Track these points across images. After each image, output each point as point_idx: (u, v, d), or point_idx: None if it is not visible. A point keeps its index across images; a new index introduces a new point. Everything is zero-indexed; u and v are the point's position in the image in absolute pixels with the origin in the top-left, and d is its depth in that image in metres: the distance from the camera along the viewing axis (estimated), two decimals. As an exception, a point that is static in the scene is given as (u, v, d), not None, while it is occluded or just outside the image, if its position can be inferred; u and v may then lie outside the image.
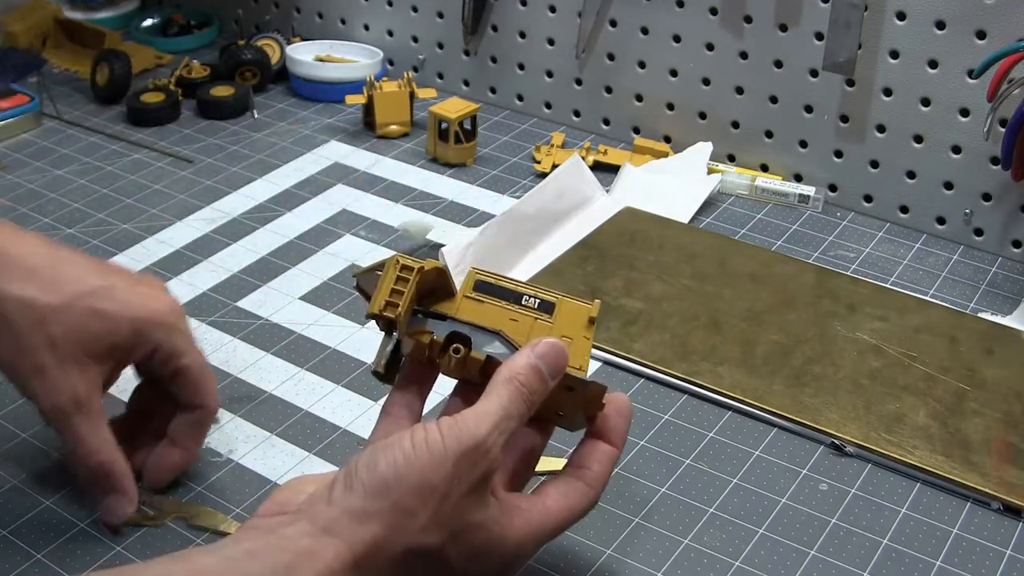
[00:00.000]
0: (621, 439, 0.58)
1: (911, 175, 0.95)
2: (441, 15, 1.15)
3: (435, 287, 0.59)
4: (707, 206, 0.98)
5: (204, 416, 0.66)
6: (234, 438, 0.71)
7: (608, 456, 0.57)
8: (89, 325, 0.60)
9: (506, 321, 0.58)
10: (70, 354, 0.59)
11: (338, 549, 0.47)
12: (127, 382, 0.68)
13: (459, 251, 0.84)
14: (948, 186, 0.94)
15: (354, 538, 0.48)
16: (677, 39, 1.03)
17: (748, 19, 0.98)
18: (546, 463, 0.69)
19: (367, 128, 1.10)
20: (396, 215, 0.96)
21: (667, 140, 1.07)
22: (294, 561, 0.47)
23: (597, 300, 0.60)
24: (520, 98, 1.15)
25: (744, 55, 1.00)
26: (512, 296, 0.59)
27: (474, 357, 0.57)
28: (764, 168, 1.03)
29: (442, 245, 0.85)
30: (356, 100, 1.09)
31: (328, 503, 0.49)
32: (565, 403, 0.58)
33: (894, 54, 0.92)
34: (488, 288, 0.59)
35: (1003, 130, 0.86)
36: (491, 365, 0.57)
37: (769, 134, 1.01)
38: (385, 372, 0.59)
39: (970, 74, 0.89)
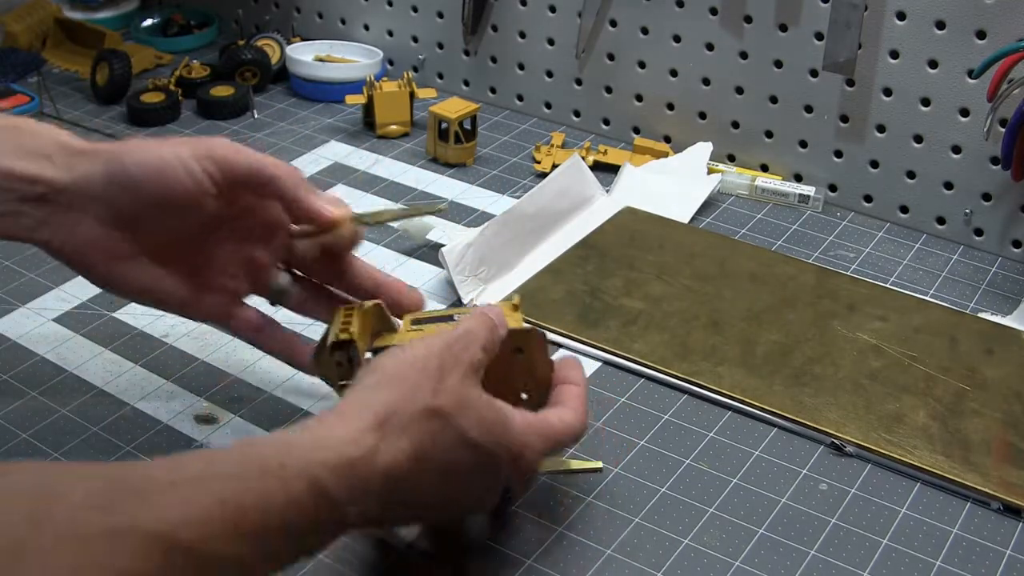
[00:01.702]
0: (580, 378, 0.65)
1: (911, 175, 0.96)
2: (441, 15, 1.15)
3: (379, 327, 0.67)
4: (707, 206, 0.98)
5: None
6: (234, 438, 0.71)
7: (577, 392, 0.64)
8: (186, 141, 0.64)
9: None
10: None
11: (362, 414, 0.53)
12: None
13: (459, 251, 0.84)
14: (948, 186, 0.94)
15: (373, 403, 0.54)
16: (677, 39, 1.03)
17: (748, 19, 0.98)
18: (548, 463, 0.69)
19: (367, 128, 1.10)
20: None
21: (667, 140, 1.07)
22: (321, 433, 0.52)
23: (518, 296, 0.68)
24: (520, 98, 1.15)
25: (744, 55, 1.00)
26: (446, 319, 0.67)
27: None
28: (764, 168, 1.03)
29: (442, 245, 0.85)
30: (356, 100, 1.09)
31: (345, 396, 0.56)
32: (517, 370, 0.65)
33: (894, 54, 0.92)
34: (424, 320, 0.68)
35: (1003, 130, 0.86)
36: None
37: (769, 134, 1.01)
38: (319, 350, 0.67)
39: (970, 74, 0.89)
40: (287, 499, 0.48)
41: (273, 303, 0.70)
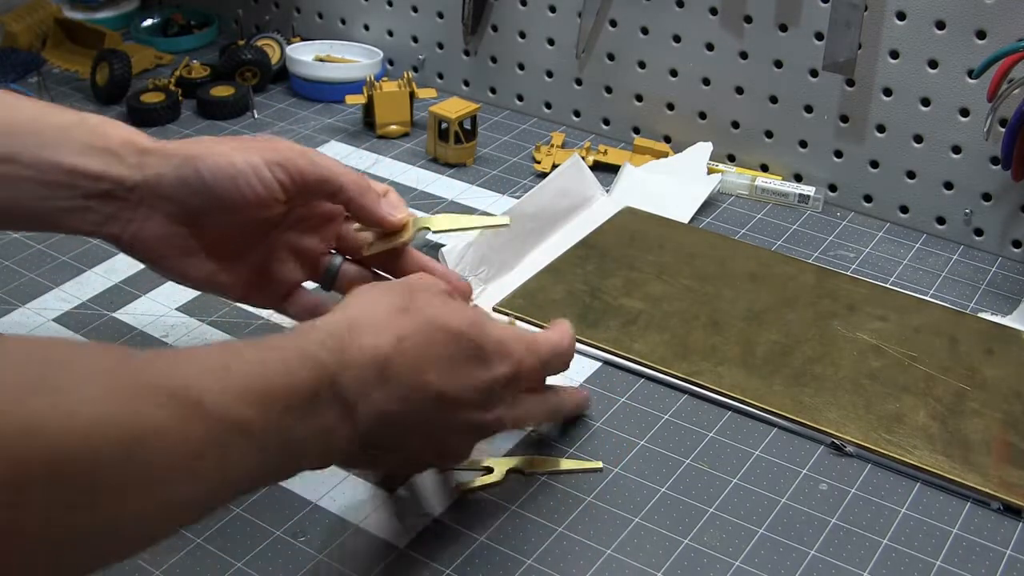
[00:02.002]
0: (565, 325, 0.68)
1: (911, 175, 0.96)
2: (441, 15, 1.15)
3: None
4: (707, 206, 0.98)
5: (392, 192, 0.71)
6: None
7: (560, 322, 0.68)
8: (254, 144, 0.66)
9: None
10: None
11: (334, 318, 0.56)
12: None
13: (459, 251, 0.84)
14: (948, 186, 0.94)
15: (343, 317, 0.56)
16: (677, 39, 1.03)
17: (748, 19, 0.98)
18: (547, 463, 0.69)
19: (367, 128, 1.10)
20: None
21: (667, 140, 1.07)
22: (300, 327, 0.56)
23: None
24: (520, 98, 1.15)
25: (744, 55, 1.00)
26: None
27: None
28: (764, 168, 1.03)
29: (442, 245, 0.85)
30: (356, 100, 1.09)
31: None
32: None
33: (894, 54, 0.92)
34: None
35: (1003, 130, 0.86)
36: None
37: (769, 134, 1.01)
38: None
39: (970, 74, 0.89)
40: (284, 365, 0.51)
41: (326, 288, 0.72)
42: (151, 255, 0.66)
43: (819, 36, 0.95)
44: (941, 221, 0.95)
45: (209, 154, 0.64)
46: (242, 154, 0.64)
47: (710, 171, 1.01)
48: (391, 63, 1.21)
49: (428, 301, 0.59)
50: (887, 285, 0.88)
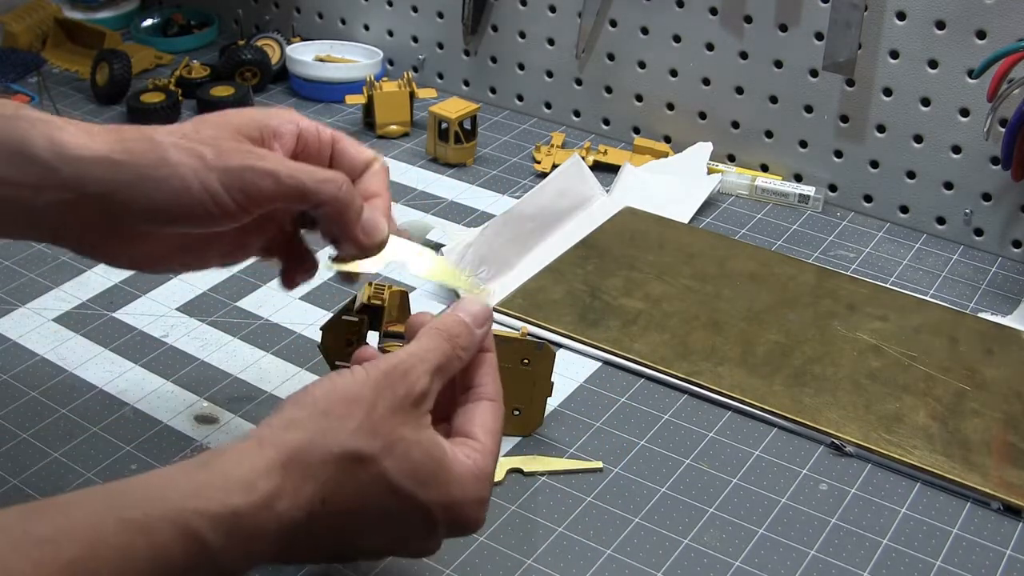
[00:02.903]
0: (488, 341, 0.58)
1: (911, 175, 0.95)
2: (441, 15, 1.15)
3: (399, 315, 0.67)
4: (707, 206, 0.98)
5: (380, 168, 0.62)
6: (234, 438, 0.71)
7: (491, 362, 0.57)
8: (229, 120, 0.58)
9: None
10: (234, 139, 0.57)
11: (264, 451, 0.48)
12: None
13: (459, 251, 0.84)
14: (948, 186, 0.94)
15: (282, 443, 0.48)
16: (677, 39, 1.03)
17: (748, 19, 0.98)
18: (548, 463, 0.69)
19: (367, 128, 1.10)
20: (396, 215, 0.95)
21: (667, 140, 1.07)
22: (220, 466, 0.47)
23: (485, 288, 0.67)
24: (520, 98, 1.15)
25: (744, 55, 1.00)
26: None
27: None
28: (764, 168, 1.03)
29: (442, 245, 0.85)
30: (356, 100, 1.09)
31: (258, 426, 0.50)
32: (516, 383, 0.63)
33: (894, 54, 0.92)
34: None
35: (1003, 130, 0.86)
36: None
37: (769, 134, 1.01)
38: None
39: (970, 74, 0.89)
40: (152, 551, 0.44)
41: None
42: (80, 247, 0.57)
43: (819, 36, 0.95)
44: (941, 221, 0.95)
45: (150, 165, 0.53)
46: (190, 161, 0.53)
47: (710, 171, 1.01)
48: (391, 63, 1.21)
49: (385, 432, 0.50)
50: (887, 285, 0.88)
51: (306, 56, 1.18)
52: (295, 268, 0.64)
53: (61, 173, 0.52)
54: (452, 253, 0.83)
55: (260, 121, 0.59)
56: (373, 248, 0.59)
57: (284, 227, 0.63)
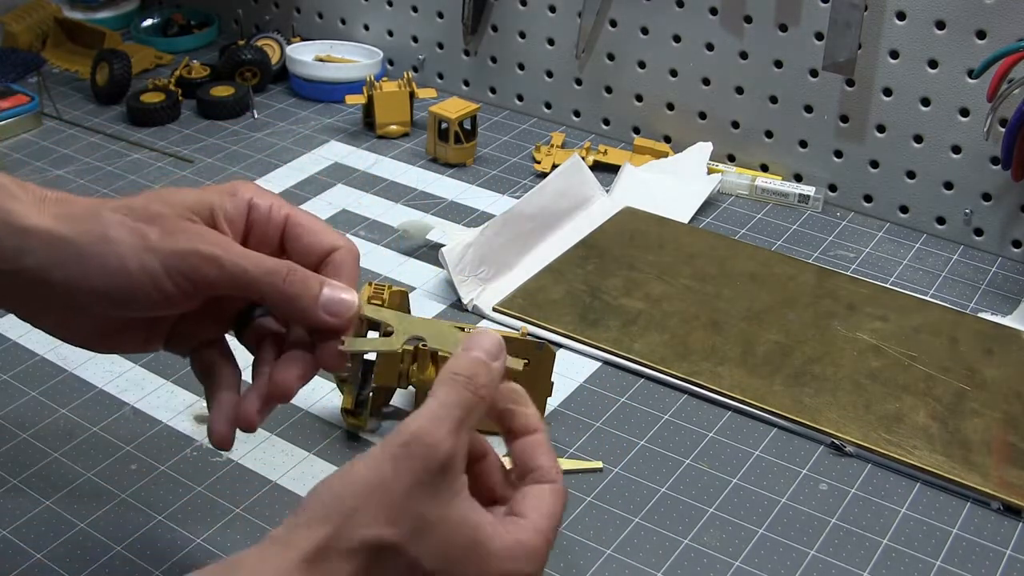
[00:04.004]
0: (538, 421, 0.53)
1: (911, 175, 0.95)
2: (441, 15, 1.15)
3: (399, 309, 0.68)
4: (707, 206, 0.98)
5: (346, 254, 0.56)
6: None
7: (545, 442, 0.52)
8: (181, 199, 0.54)
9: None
10: (183, 218, 0.53)
11: (287, 555, 0.45)
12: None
13: (459, 251, 0.84)
14: (948, 186, 0.94)
15: (300, 544, 0.46)
16: (677, 39, 1.03)
17: (748, 19, 0.98)
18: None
19: (367, 128, 1.10)
20: (396, 215, 0.95)
21: (667, 140, 1.07)
22: (243, 570, 0.46)
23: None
24: (520, 98, 1.15)
25: (744, 55, 1.00)
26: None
27: (442, 355, 0.64)
28: (764, 168, 1.03)
29: (442, 245, 0.85)
30: (356, 100, 1.09)
31: (277, 528, 0.48)
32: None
33: (894, 54, 0.92)
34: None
35: (1003, 130, 0.86)
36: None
37: (769, 134, 1.01)
38: (355, 409, 0.70)
39: (970, 74, 0.89)
40: None
41: (237, 335, 0.59)
42: (23, 314, 0.55)
43: (819, 36, 0.95)
44: (941, 221, 0.95)
45: (96, 252, 0.51)
46: (135, 254, 0.51)
47: (710, 171, 1.01)
48: (391, 63, 1.21)
49: (410, 513, 0.46)
50: (887, 285, 0.88)
51: (306, 56, 1.18)
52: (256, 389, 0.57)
53: (2, 244, 0.51)
54: (452, 253, 0.83)
55: (209, 202, 0.55)
56: (342, 327, 0.54)
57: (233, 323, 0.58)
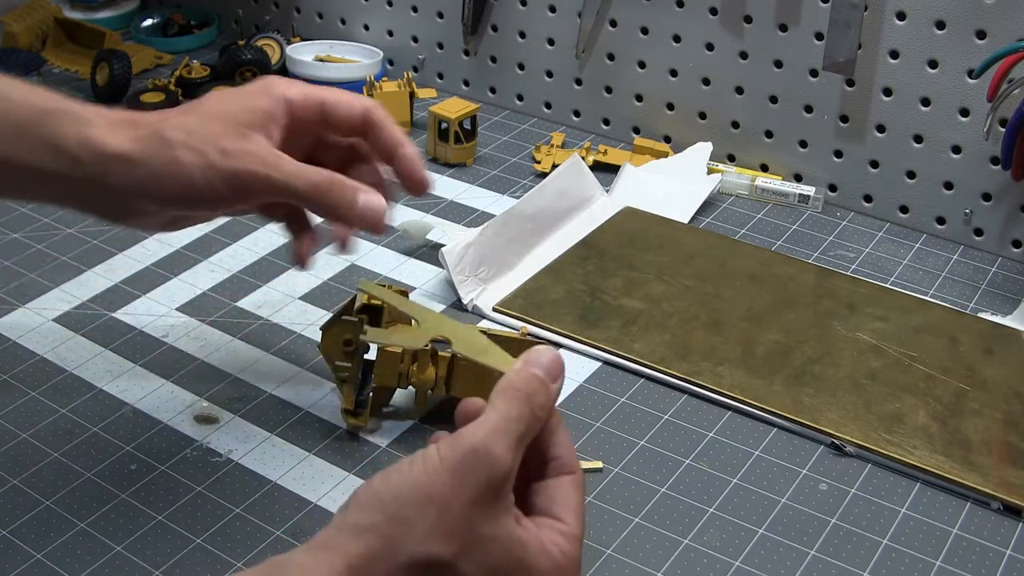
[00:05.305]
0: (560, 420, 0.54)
1: (911, 175, 0.96)
2: (441, 15, 1.15)
3: (396, 316, 0.69)
4: (707, 206, 0.98)
5: (379, 116, 0.63)
6: (234, 438, 0.71)
7: (563, 428, 0.53)
8: (232, 110, 0.61)
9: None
10: (237, 132, 0.60)
11: (333, 561, 0.45)
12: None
13: (459, 251, 0.84)
14: (948, 186, 0.94)
15: (348, 550, 0.46)
16: (677, 39, 1.03)
17: (748, 19, 0.98)
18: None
19: (367, 128, 1.10)
20: (396, 215, 0.95)
21: (667, 140, 1.07)
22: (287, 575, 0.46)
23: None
24: (520, 98, 1.15)
25: (744, 55, 1.00)
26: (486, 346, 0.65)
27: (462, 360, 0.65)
28: (764, 168, 1.03)
29: (442, 245, 0.85)
30: (356, 100, 1.09)
31: (327, 526, 0.48)
32: None
33: (894, 54, 0.92)
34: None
35: (1003, 130, 0.86)
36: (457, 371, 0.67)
37: (769, 134, 1.01)
38: (355, 409, 0.71)
39: (970, 74, 0.89)
40: None
41: None
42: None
43: (819, 36, 0.95)
44: (941, 221, 0.95)
45: (170, 171, 0.58)
46: (202, 173, 0.58)
47: (710, 171, 1.01)
48: (391, 63, 1.21)
49: (462, 530, 0.46)
50: (887, 285, 0.88)
51: (306, 56, 1.18)
52: (302, 238, 0.68)
53: (87, 167, 0.58)
54: (452, 253, 0.83)
55: (256, 109, 0.61)
56: (377, 229, 0.62)
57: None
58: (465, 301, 0.83)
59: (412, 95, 1.08)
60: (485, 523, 0.47)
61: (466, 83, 1.17)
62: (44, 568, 0.61)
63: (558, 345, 0.79)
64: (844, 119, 0.97)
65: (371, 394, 0.71)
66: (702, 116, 1.04)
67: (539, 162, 1.04)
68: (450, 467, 0.47)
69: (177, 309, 0.83)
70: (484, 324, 0.81)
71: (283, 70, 1.18)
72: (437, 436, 0.50)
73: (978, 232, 0.94)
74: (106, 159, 0.59)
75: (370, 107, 0.63)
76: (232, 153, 0.59)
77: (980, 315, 0.85)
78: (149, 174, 0.59)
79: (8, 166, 0.59)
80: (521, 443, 0.48)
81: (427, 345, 0.63)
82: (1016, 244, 0.93)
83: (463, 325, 0.62)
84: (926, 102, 0.92)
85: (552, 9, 1.08)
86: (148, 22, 1.29)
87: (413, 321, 0.66)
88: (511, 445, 0.48)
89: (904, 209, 0.97)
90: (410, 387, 0.71)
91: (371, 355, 0.72)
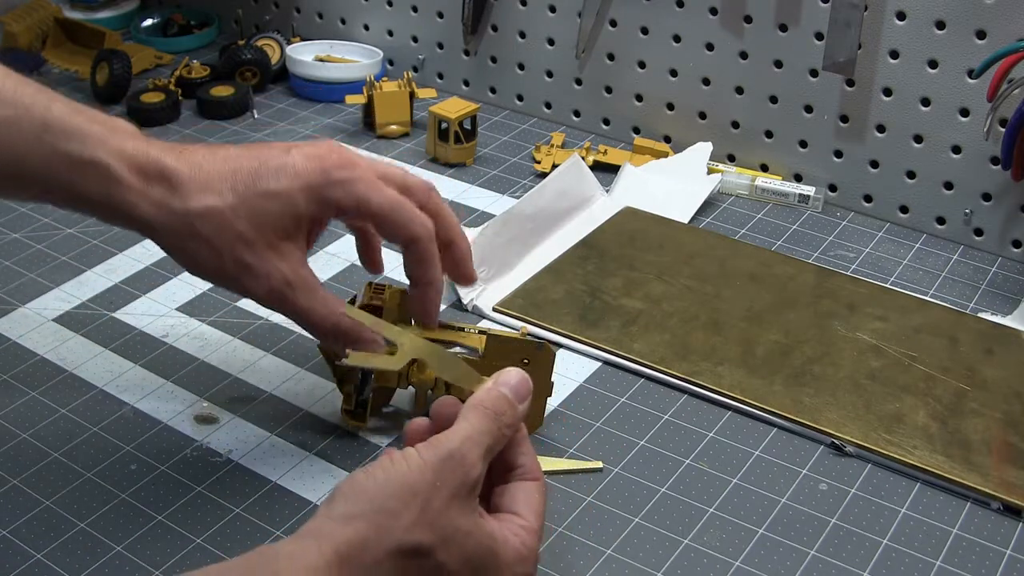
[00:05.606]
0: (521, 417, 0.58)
1: (911, 175, 0.96)
2: (441, 15, 1.15)
3: (398, 315, 0.69)
4: (707, 206, 0.98)
5: (422, 247, 0.64)
6: (234, 438, 0.71)
7: (527, 440, 0.58)
8: (268, 208, 0.61)
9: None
10: (263, 242, 0.61)
11: (321, 548, 0.48)
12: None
13: (459, 251, 0.84)
14: (948, 186, 0.94)
15: (337, 538, 0.49)
16: (677, 39, 1.03)
17: (748, 19, 0.98)
18: (548, 463, 0.69)
19: (367, 128, 1.10)
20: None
21: (667, 140, 1.07)
22: (276, 565, 0.48)
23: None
24: (520, 98, 1.15)
25: (744, 55, 1.00)
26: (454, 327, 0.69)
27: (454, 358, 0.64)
28: (764, 168, 1.03)
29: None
30: (356, 100, 1.09)
31: (312, 517, 0.50)
32: None
33: (894, 54, 0.92)
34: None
35: (1003, 130, 0.86)
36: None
37: (769, 134, 1.01)
38: (355, 409, 0.71)
39: (970, 74, 0.89)
40: None
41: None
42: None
43: (819, 36, 0.95)
44: (941, 221, 0.95)
45: (201, 250, 0.61)
46: (232, 261, 0.61)
47: (710, 171, 1.01)
48: (391, 63, 1.21)
49: (442, 523, 0.51)
50: (887, 285, 0.88)
51: (306, 56, 1.18)
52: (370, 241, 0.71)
53: (111, 218, 0.62)
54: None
55: (303, 217, 0.62)
56: (367, 345, 0.64)
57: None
58: (465, 301, 0.83)
59: (412, 95, 1.08)
60: (460, 517, 0.51)
61: (466, 83, 1.17)
62: (44, 568, 0.61)
63: (558, 345, 0.79)
64: (844, 119, 0.97)
65: (371, 394, 0.71)
66: (702, 116, 1.04)
67: (539, 162, 1.04)
68: (432, 467, 0.51)
69: (177, 309, 0.83)
70: (484, 324, 0.81)
71: (283, 70, 1.19)
72: (391, 451, 0.53)
73: (978, 232, 0.94)
74: (129, 220, 0.61)
75: (418, 237, 0.63)
76: (251, 269, 0.61)
77: (980, 315, 0.85)
78: (166, 245, 0.62)
79: (30, 194, 0.63)
80: (489, 454, 0.54)
81: (403, 369, 0.65)
82: (1016, 244, 0.93)
83: (438, 347, 0.65)
84: (926, 102, 0.92)
85: (552, 9, 1.08)
86: (148, 22, 1.29)
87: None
88: (481, 455, 0.53)
89: (904, 209, 0.97)
90: (410, 387, 0.72)
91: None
